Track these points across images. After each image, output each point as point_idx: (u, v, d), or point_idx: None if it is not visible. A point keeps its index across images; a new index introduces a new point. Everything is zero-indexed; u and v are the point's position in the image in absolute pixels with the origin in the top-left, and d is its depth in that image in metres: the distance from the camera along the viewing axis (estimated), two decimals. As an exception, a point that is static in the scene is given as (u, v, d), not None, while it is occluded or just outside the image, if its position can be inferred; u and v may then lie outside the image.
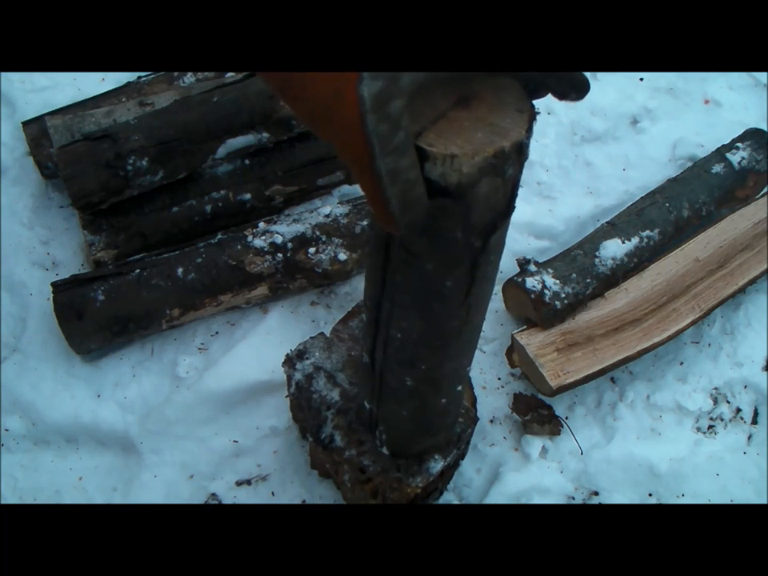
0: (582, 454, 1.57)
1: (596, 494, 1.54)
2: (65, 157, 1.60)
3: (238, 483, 1.52)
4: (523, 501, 1.50)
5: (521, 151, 0.72)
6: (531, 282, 1.59)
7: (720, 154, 1.92)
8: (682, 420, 1.65)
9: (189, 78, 1.98)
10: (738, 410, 1.67)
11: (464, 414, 1.31)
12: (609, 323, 1.62)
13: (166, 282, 1.58)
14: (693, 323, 1.65)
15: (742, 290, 1.75)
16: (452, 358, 1.00)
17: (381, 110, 0.61)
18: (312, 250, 1.65)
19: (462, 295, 0.86)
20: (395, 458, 1.23)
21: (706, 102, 2.23)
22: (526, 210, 1.93)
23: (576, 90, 0.75)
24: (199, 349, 1.67)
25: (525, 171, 2.26)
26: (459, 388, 1.11)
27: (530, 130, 0.72)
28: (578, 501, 1.53)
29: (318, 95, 0.64)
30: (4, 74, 2.05)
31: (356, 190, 1.89)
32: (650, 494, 1.54)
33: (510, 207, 0.78)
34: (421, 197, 0.68)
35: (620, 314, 1.63)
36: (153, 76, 1.98)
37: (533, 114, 0.74)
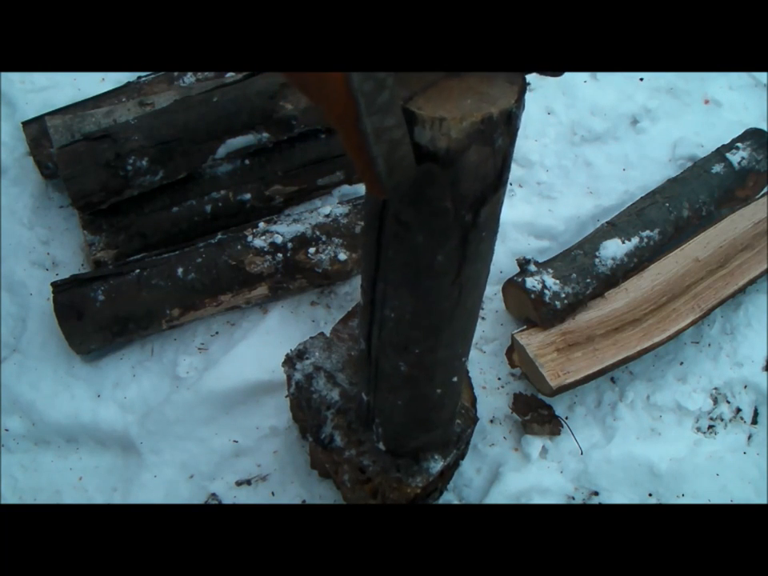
0: (581, 454, 1.57)
1: (596, 494, 1.54)
2: (65, 157, 1.60)
3: (238, 483, 1.52)
4: (523, 501, 1.50)
5: (510, 120, 0.73)
6: (531, 282, 1.59)
7: (720, 154, 1.92)
8: (682, 420, 1.65)
9: (189, 77, 1.98)
10: (738, 410, 1.67)
11: (464, 414, 1.31)
12: (609, 323, 1.62)
13: (166, 282, 1.58)
14: (693, 323, 1.65)
15: (742, 290, 1.75)
16: (445, 344, 1.00)
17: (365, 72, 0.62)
18: (312, 250, 1.65)
19: (453, 273, 0.86)
20: (392, 456, 1.23)
21: (706, 102, 2.23)
22: (525, 209, 1.93)
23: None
24: (199, 349, 1.67)
25: (525, 171, 2.26)
26: (455, 379, 1.11)
27: (519, 101, 0.73)
28: (578, 501, 1.53)
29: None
30: (4, 74, 2.05)
31: (356, 189, 1.89)
32: (650, 494, 1.54)
33: (500, 179, 0.78)
34: (406, 156, 0.69)
35: (620, 314, 1.63)
36: (153, 76, 1.98)
37: (523, 86, 0.74)
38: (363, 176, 0.69)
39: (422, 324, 0.95)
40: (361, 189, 1.87)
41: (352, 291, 1.76)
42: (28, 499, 1.49)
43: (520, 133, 2.31)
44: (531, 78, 0.79)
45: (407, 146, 0.69)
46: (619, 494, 1.53)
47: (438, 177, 0.73)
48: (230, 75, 1.86)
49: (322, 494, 1.50)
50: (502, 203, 0.84)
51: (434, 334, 0.97)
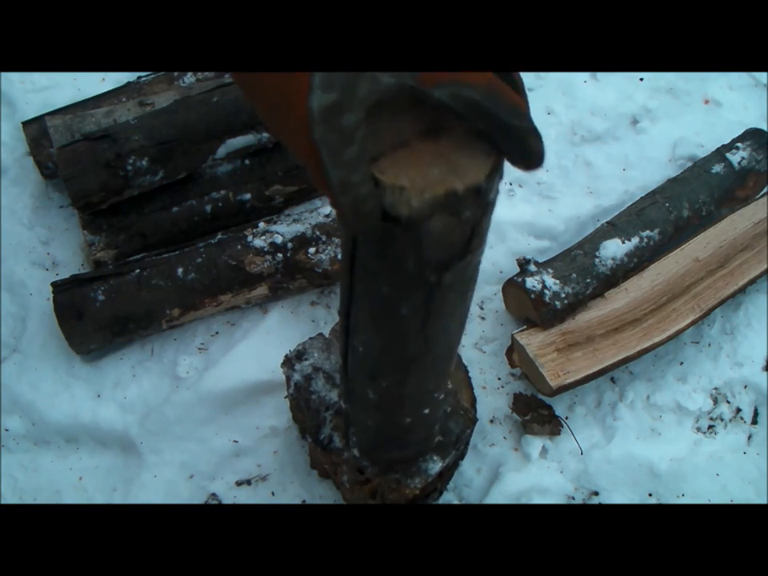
0: (581, 454, 1.57)
1: (596, 494, 1.54)
2: (65, 157, 1.60)
3: (238, 483, 1.52)
4: (523, 501, 1.50)
5: (479, 194, 0.68)
6: (531, 282, 1.59)
7: (720, 154, 1.92)
8: (682, 420, 1.65)
9: (189, 77, 1.98)
10: (738, 410, 1.67)
11: (464, 415, 1.31)
12: (609, 323, 1.62)
13: (166, 282, 1.58)
14: (693, 323, 1.65)
15: (742, 290, 1.75)
16: (414, 381, 0.98)
17: (330, 122, 0.58)
18: (312, 250, 1.65)
19: (418, 325, 0.84)
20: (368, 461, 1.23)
21: (706, 102, 2.23)
22: (525, 209, 1.93)
23: (524, 159, 0.68)
24: (199, 349, 1.67)
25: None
26: (426, 411, 1.09)
27: (492, 175, 0.68)
28: (578, 501, 1.53)
29: (273, 99, 0.63)
30: (4, 74, 2.04)
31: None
32: (650, 494, 1.54)
33: (467, 248, 0.75)
34: (372, 211, 0.66)
35: (620, 314, 1.63)
36: (153, 76, 1.98)
37: (499, 159, 0.69)
38: (336, 212, 0.67)
39: (389, 361, 0.94)
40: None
41: (352, 291, 1.76)
42: (28, 499, 1.49)
43: (520, 133, 2.27)
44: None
45: (373, 201, 0.65)
46: (619, 493, 1.53)
47: (400, 238, 0.70)
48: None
49: (322, 494, 1.50)
50: (475, 265, 0.81)
51: (401, 371, 0.96)
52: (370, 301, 0.84)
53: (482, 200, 0.69)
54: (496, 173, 0.69)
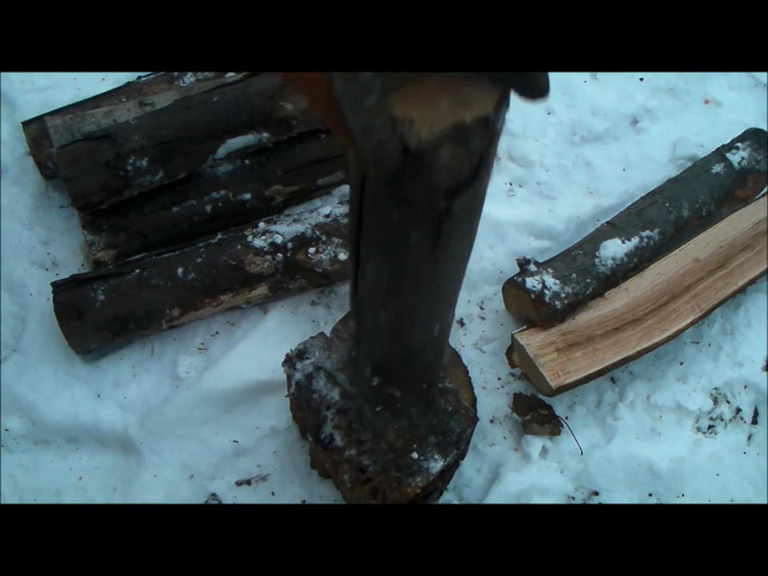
0: (581, 453, 1.57)
1: (596, 494, 1.54)
2: (65, 157, 1.60)
3: (238, 483, 1.52)
4: (523, 501, 1.50)
5: (487, 125, 0.71)
6: (531, 282, 1.59)
7: (720, 154, 1.92)
8: (682, 420, 1.65)
9: (189, 77, 1.98)
10: (738, 410, 1.67)
11: (464, 414, 1.31)
12: (609, 323, 1.62)
13: (166, 281, 1.58)
14: (693, 323, 1.65)
15: (742, 290, 1.75)
16: (424, 305, 1.01)
17: (348, 75, 0.62)
18: (312, 250, 1.65)
19: (427, 251, 0.87)
20: (379, 384, 1.25)
21: (706, 102, 2.23)
22: (525, 209, 1.93)
23: (530, 90, 0.71)
24: (199, 349, 1.67)
25: (525, 171, 2.25)
26: (437, 330, 1.12)
27: (499, 106, 0.71)
28: (578, 501, 1.53)
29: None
30: (4, 74, 2.05)
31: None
32: (650, 494, 1.54)
33: (476, 175, 0.78)
34: (394, 152, 0.69)
35: (620, 314, 1.63)
36: (153, 76, 1.98)
37: (506, 90, 0.72)
38: (353, 158, 0.71)
39: (399, 287, 0.97)
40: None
41: (352, 291, 1.76)
42: (28, 499, 1.49)
43: (520, 133, 2.30)
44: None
45: (394, 143, 0.68)
46: (619, 493, 1.53)
47: (410, 167, 0.73)
48: (230, 75, 1.86)
49: (322, 493, 1.50)
50: (482, 193, 0.84)
51: (409, 298, 0.99)
52: (380, 230, 0.87)
53: (489, 130, 0.72)
54: (503, 103, 0.71)
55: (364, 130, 0.64)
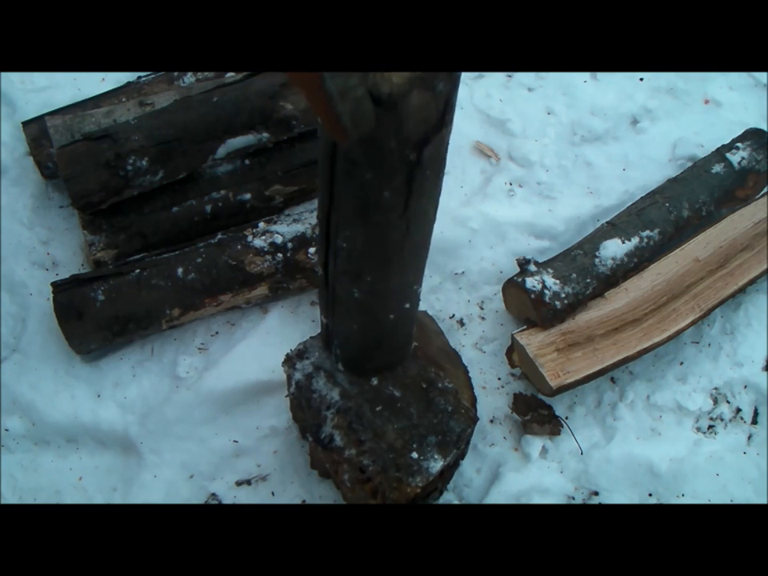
0: (582, 453, 1.57)
1: (596, 494, 1.54)
2: (65, 157, 1.60)
3: (238, 483, 1.52)
4: (523, 501, 1.50)
5: None
6: (531, 282, 1.59)
7: (720, 153, 1.92)
8: (682, 420, 1.65)
9: (189, 77, 1.98)
10: (738, 410, 1.67)
11: (464, 414, 1.31)
12: (609, 323, 1.62)
13: (166, 281, 1.58)
14: (693, 323, 1.65)
15: (742, 290, 1.75)
16: (396, 272, 1.04)
17: None
18: (312, 250, 1.65)
19: (400, 208, 0.90)
20: (352, 374, 1.28)
21: (706, 102, 2.23)
22: (526, 209, 1.93)
23: None
24: (199, 349, 1.67)
25: (525, 171, 2.25)
26: (407, 306, 1.15)
27: None
28: (578, 501, 1.53)
29: None
30: (4, 74, 2.05)
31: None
32: (650, 494, 1.54)
33: (442, 121, 0.81)
34: (369, 110, 0.73)
35: (620, 314, 1.63)
36: (153, 76, 1.98)
37: None
38: (329, 129, 0.73)
39: (372, 254, 0.99)
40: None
41: (352, 291, 1.76)
42: (28, 499, 1.49)
43: (520, 133, 2.30)
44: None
45: (368, 100, 0.72)
46: (619, 493, 1.53)
47: (382, 119, 0.76)
48: (230, 75, 1.86)
49: (322, 493, 1.50)
50: (446, 143, 0.88)
51: (384, 264, 1.01)
52: (352, 194, 0.90)
53: (453, 73, 0.76)
54: None
55: (341, 90, 0.67)
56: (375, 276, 1.03)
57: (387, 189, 0.86)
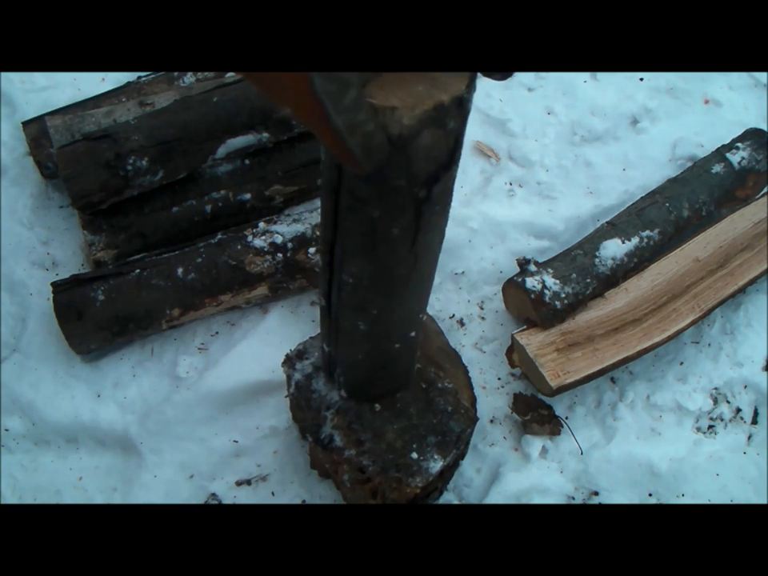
0: (582, 454, 1.57)
1: (596, 494, 1.54)
2: (65, 157, 1.60)
3: (238, 483, 1.52)
4: (523, 501, 1.50)
5: (461, 104, 0.74)
6: (531, 282, 1.59)
7: (720, 153, 1.92)
8: (682, 420, 1.65)
9: (189, 77, 1.98)
10: (738, 410, 1.67)
11: (464, 414, 1.31)
12: (609, 323, 1.62)
13: (166, 281, 1.58)
14: (693, 323, 1.65)
15: (742, 290, 1.75)
16: (402, 304, 1.03)
17: (327, 73, 0.63)
18: (312, 249, 1.65)
19: (408, 243, 0.89)
20: (354, 399, 1.27)
21: (706, 101, 2.23)
22: (525, 209, 1.93)
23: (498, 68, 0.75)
24: (199, 349, 1.67)
25: (525, 171, 2.25)
26: (413, 334, 1.14)
27: (470, 86, 0.74)
28: (578, 501, 1.53)
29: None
30: (4, 74, 2.05)
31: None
32: (650, 494, 1.54)
33: (452, 159, 0.81)
34: (382, 143, 0.71)
35: (620, 314, 1.63)
36: (153, 76, 1.98)
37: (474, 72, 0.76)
38: (342, 160, 0.72)
39: (378, 288, 0.98)
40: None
41: (352, 291, 1.76)
42: (28, 499, 1.49)
43: (520, 133, 2.30)
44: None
45: (380, 135, 0.70)
46: (619, 493, 1.53)
47: (392, 158, 0.75)
48: (230, 75, 1.86)
49: (322, 493, 1.50)
50: (454, 178, 0.87)
51: (391, 297, 1.00)
52: (359, 230, 0.88)
53: (463, 110, 0.76)
54: (473, 83, 0.75)
55: (348, 126, 0.65)
56: (381, 309, 1.02)
57: (395, 226, 0.85)
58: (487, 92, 2.17)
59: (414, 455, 1.24)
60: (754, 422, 1.66)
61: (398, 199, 0.82)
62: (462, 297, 1.80)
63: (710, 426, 1.65)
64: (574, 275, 1.62)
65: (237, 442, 1.55)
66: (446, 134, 0.75)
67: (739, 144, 1.93)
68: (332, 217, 0.90)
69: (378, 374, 1.20)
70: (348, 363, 1.19)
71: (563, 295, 1.59)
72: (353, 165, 0.71)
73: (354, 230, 0.89)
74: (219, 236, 1.66)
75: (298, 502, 1.50)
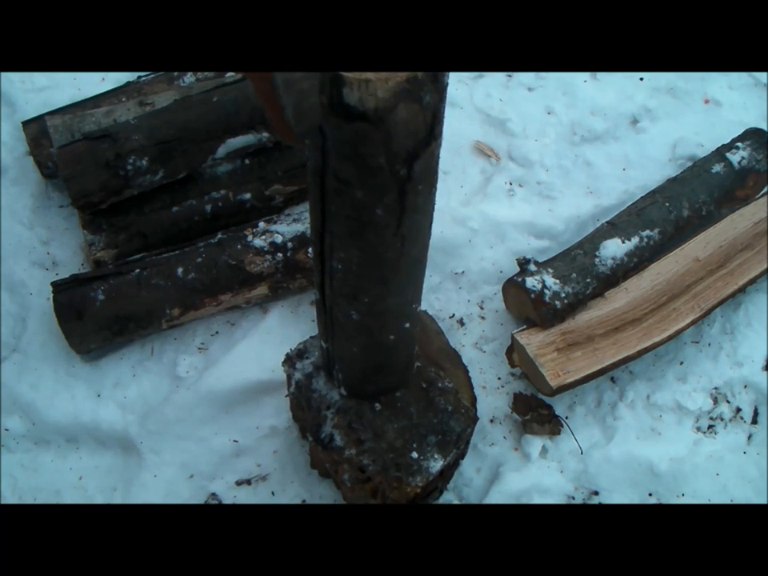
0: (582, 453, 1.57)
1: (596, 493, 1.54)
2: (65, 157, 1.60)
3: (238, 483, 1.52)
4: (523, 501, 1.50)
5: (436, 78, 0.74)
6: (531, 282, 1.59)
7: (720, 153, 1.92)
8: (682, 420, 1.65)
9: (189, 77, 1.98)
10: (738, 410, 1.67)
11: (464, 414, 1.31)
12: (609, 323, 1.62)
13: (165, 281, 1.58)
14: (693, 323, 1.65)
15: (742, 290, 1.75)
16: (394, 292, 1.03)
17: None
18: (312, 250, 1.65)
19: (394, 225, 0.89)
20: (354, 398, 1.27)
21: (706, 101, 2.23)
22: (525, 209, 1.93)
23: None
24: (199, 349, 1.67)
25: (525, 171, 2.25)
26: (407, 325, 1.13)
27: None
28: (578, 501, 1.53)
29: None
30: (4, 74, 2.05)
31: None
32: (650, 494, 1.54)
33: (431, 135, 0.80)
34: (313, 106, 0.72)
35: (620, 314, 1.63)
36: (153, 76, 1.98)
37: None
38: (274, 123, 0.72)
39: (368, 274, 0.98)
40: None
41: (352, 291, 1.76)
42: (28, 499, 1.49)
43: (520, 133, 2.30)
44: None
45: (315, 97, 0.71)
46: (619, 493, 1.53)
47: (370, 135, 0.75)
48: (230, 75, 1.86)
49: (322, 493, 1.50)
50: (437, 157, 0.87)
51: (381, 283, 1.00)
52: (344, 213, 0.89)
53: (439, 84, 0.76)
54: None
55: (286, 81, 0.67)
56: (372, 296, 1.02)
57: (379, 206, 0.85)
58: (487, 92, 2.17)
59: (415, 455, 1.24)
60: (754, 421, 1.66)
61: (380, 179, 0.82)
62: (462, 296, 1.80)
63: (710, 426, 1.65)
64: (574, 275, 1.62)
65: (237, 441, 1.55)
66: (422, 108, 0.75)
67: (739, 144, 1.93)
68: (320, 203, 0.90)
69: (375, 368, 1.20)
70: (345, 358, 1.19)
71: (563, 295, 1.59)
72: (285, 130, 0.71)
73: (339, 214, 0.89)
74: (219, 236, 1.66)
75: (298, 501, 1.50)
